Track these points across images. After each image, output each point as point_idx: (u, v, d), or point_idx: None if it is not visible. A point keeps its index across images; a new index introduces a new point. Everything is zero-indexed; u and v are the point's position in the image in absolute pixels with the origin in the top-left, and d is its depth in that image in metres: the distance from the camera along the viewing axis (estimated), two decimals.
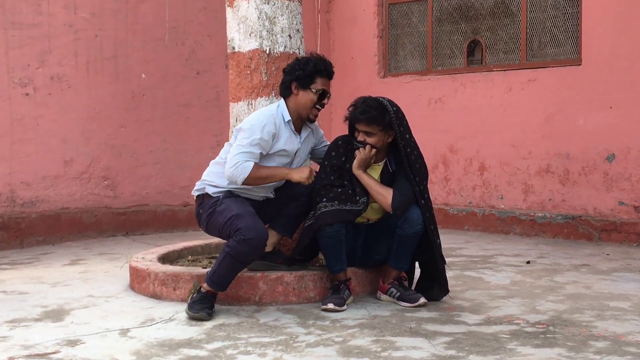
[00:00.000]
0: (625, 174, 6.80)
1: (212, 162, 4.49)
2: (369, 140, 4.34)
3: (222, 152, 4.46)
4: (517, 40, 7.53)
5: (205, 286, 4.20)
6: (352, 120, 4.39)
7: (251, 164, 4.19)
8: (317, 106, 4.37)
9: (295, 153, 4.44)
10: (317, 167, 4.83)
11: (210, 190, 4.37)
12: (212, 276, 4.19)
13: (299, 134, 4.46)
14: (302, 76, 4.33)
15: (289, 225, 4.53)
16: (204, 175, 4.45)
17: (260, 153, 4.26)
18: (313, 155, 4.68)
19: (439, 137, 8.00)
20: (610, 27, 6.83)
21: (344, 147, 4.46)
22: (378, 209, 4.44)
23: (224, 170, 4.27)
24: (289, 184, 4.49)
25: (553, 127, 7.23)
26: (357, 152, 4.38)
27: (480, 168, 7.78)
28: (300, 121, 4.44)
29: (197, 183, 4.48)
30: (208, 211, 4.33)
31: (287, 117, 4.36)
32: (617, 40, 6.80)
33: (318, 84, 4.34)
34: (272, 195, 4.50)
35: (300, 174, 4.25)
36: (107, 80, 7.46)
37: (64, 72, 7.19)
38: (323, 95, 4.37)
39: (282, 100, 4.43)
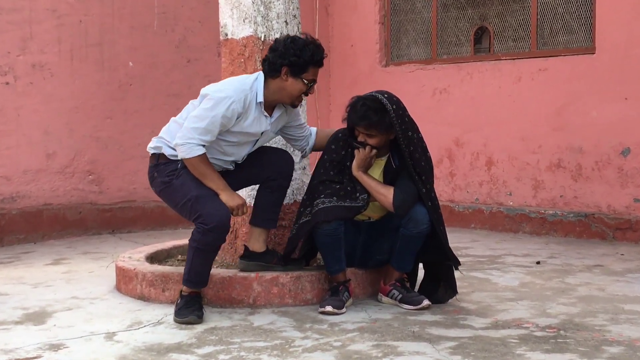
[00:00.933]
0: None
1: (172, 119, 4.34)
2: (370, 141, 4.32)
3: (184, 111, 4.29)
4: (527, 27, 7.53)
5: (185, 289, 4.19)
6: (351, 124, 4.35)
7: (200, 152, 4.09)
8: (303, 95, 4.30)
9: (262, 133, 4.34)
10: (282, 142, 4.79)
11: (167, 152, 4.25)
12: (188, 277, 4.18)
13: (271, 114, 4.33)
14: (296, 63, 4.18)
15: (267, 216, 4.49)
16: (162, 133, 4.32)
17: (220, 130, 4.15)
18: (284, 131, 4.54)
19: (444, 129, 8.00)
20: (626, 13, 6.82)
21: (344, 140, 4.45)
22: (380, 207, 4.43)
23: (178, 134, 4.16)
24: (255, 161, 4.41)
25: (565, 120, 7.23)
26: (356, 152, 4.37)
27: (487, 163, 7.78)
28: (276, 102, 4.33)
29: (154, 139, 4.35)
30: (164, 178, 4.24)
31: (260, 99, 4.22)
32: (633, 28, 6.79)
33: (310, 74, 4.25)
34: (231, 168, 4.40)
35: (232, 201, 4.14)
36: (92, 68, 7.45)
37: (46, 60, 7.18)
38: (312, 85, 4.31)
39: (260, 75, 4.27)
